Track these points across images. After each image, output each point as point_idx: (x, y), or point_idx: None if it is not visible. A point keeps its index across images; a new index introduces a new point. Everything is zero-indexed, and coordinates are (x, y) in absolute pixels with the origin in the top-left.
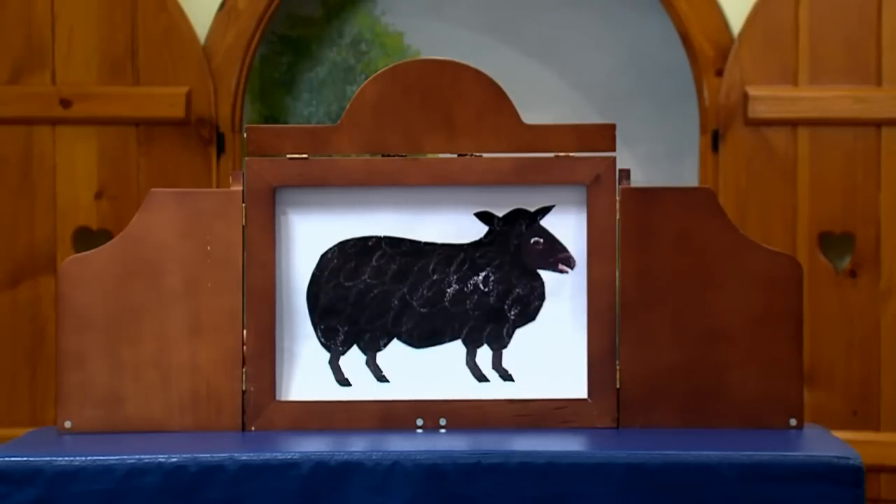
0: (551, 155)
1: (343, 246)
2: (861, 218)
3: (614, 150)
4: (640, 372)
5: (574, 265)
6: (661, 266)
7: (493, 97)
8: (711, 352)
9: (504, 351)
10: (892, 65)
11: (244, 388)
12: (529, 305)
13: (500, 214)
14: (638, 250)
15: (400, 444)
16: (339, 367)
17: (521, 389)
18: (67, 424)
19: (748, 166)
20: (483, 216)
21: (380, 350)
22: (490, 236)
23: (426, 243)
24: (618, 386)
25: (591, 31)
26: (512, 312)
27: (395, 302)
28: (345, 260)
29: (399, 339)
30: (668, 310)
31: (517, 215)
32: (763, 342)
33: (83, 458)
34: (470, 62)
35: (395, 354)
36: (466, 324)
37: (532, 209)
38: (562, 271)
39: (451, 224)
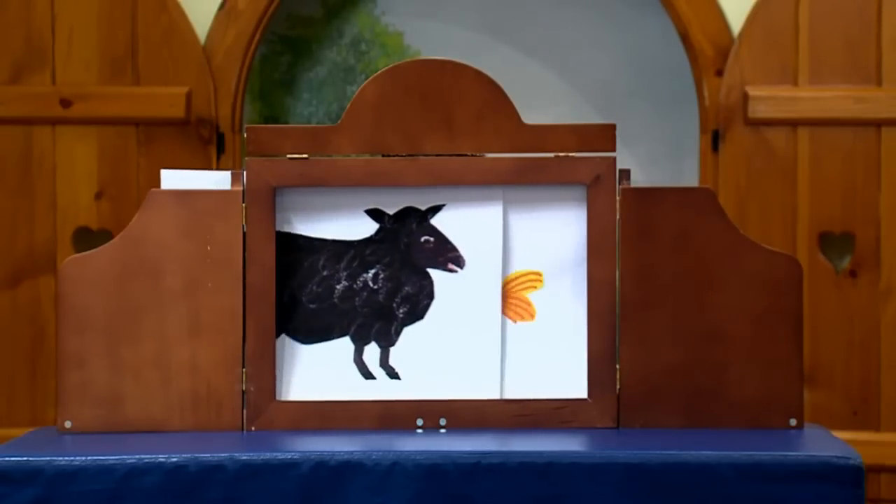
0: (551, 155)
1: None
2: (861, 218)
3: (614, 150)
4: (640, 372)
5: (464, 265)
6: (661, 266)
7: (493, 97)
8: (711, 352)
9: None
10: (892, 65)
11: (244, 388)
12: (418, 304)
13: (391, 212)
14: (638, 250)
15: (400, 444)
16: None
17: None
18: (67, 424)
19: (748, 166)
20: (373, 213)
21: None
22: (380, 234)
23: (317, 239)
24: (618, 386)
25: (591, 31)
26: (400, 311)
27: (285, 298)
28: None
29: (287, 334)
30: (668, 310)
31: (407, 213)
32: (763, 342)
33: (83, 458)
34: (470, 62)
35: (284, 349)
36: (355, 321)
37: (423, 208)
38: (451, 270)
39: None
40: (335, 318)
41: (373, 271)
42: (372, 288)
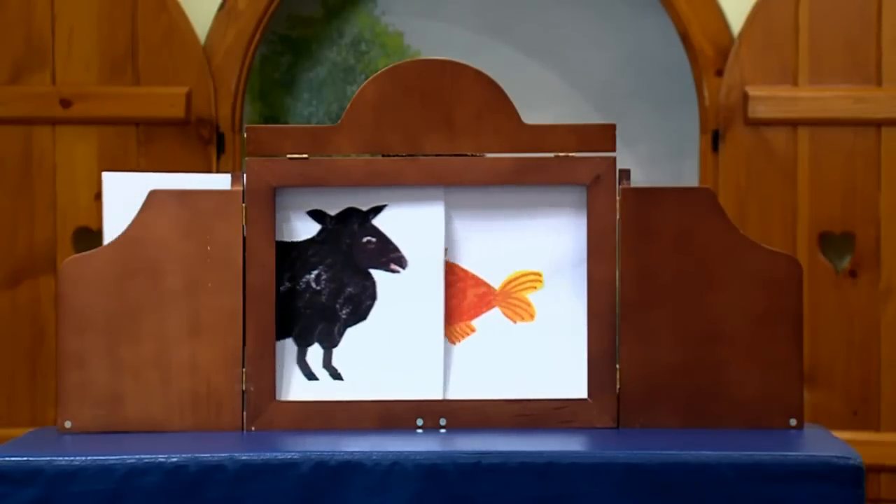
0: (551, 155)
1: None
2: (861, 218)
3: (614, 150)
4: (640, 372)
5: (406, 265)
6: (661, 266)
7: (493, 97)
8: (711, 352)
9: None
10: (892, 65)
11: (244, 388)
12: (361, 305)
13: (333, 213)
14: (638, 250)
15: (400, 444)
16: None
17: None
18: (67, 424)
19: (748, 166)
20: (315, 214)
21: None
22: (322, 234)
23: None
24: (618, 386)
25: (591, 31)
26: (343, 311)
27: None
28: None
29: None
30: (668, 310)
31: (349, 214)
32: (763, 342)
33: (83, 458)
34: (470, 62)
35: None
36: (297, 322)
37: (364, 208)
38: (393, 271)
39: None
40: (278, 318)
41: (315, 272)
42: (314, 289)
